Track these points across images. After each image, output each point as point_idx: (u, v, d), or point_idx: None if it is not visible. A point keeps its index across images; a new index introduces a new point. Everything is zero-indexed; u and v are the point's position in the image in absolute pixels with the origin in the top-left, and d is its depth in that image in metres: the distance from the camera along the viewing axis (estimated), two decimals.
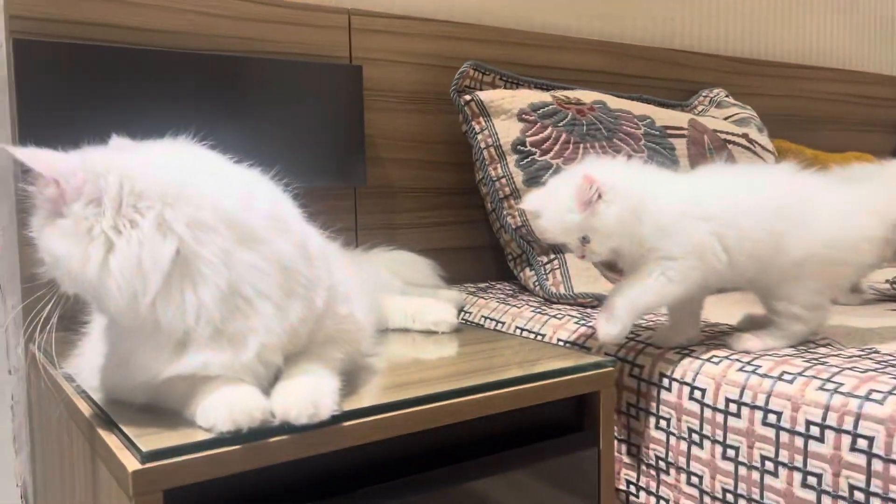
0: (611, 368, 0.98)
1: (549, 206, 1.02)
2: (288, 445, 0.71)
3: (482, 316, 1.37)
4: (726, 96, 2.01)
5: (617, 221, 0.97)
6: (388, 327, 1.20)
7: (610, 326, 0.99)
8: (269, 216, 0.75)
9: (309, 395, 0.71)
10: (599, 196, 0.97)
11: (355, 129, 1.47)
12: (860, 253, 1.02)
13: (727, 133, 1.79)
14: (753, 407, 0.91)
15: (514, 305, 1.35)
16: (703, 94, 2.00)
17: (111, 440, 0.72)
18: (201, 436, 0.69)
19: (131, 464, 0.66)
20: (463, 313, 1.40)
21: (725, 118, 1.91)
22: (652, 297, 0.99)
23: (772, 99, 2.24)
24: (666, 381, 1.01)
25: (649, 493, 1.04)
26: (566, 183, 1.01)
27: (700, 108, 1.96)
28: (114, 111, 1.21)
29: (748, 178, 1.07)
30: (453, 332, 1.17)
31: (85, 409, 0.81)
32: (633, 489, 1.06)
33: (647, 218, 0.99)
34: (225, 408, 0.69)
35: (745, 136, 1.82)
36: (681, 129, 1.69)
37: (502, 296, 1.47)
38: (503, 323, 1.31)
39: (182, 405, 0.74)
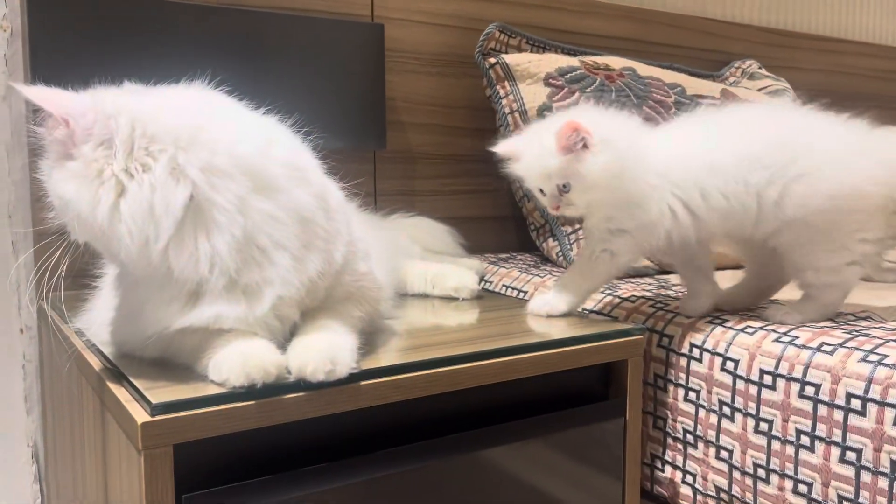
0: (640, 337, 0.94)
1: (530, 150, 0.96)
2: (304, 403, 0.68)
3: (503, 285, 1.33)
4: (759, 68, 1.94)
5: (602, 173, 0.91)
6: (407, 292, 1.17)
7: (559, 303, 1.00)
8: (287, 164, 0.72)
9: (327, 352, 0.68)
10: (585, 145, 0.91)
11: (376, 90, 1.43)
12: (866, 198, 0.92)
13: None
14: (790, 379, 0.87)
15: (537, 275, 1.31)
16: (735, 65, 1.94)
17: (121, 393, 0.69)
18: (213, 390, 0.66)
19: (140, 416, 0.63)
20: (484, 282, 1.36)
21: (758, 90, 1.85)
22: (601, 277, 1.00)
23: (805, 73, 2.17)
24: (696, 352, 0.97)
25: (675, 466, 1.00)
26: (550, 128, 0.93)
27: (732, 79, 1.90)
28: (129, 63, 1.18)
29: (722, 125, 0.98)
30: (474, 298, 1.14)
31: (94, 362, 0.78)
32: (657, 463, 1.02)
33: (630, 185, 0.93)
34: (238, 362, 0.66)
35: None
36: (713, 98, 1.63)
37: (524, 266, 1.43)
38: (525, 292, 1.27)
39: (193, 359, 0.71)
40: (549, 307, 1.00)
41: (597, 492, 0.92)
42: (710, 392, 0.95)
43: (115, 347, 0.78)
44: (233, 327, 0.69)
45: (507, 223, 1.66)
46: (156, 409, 0.63)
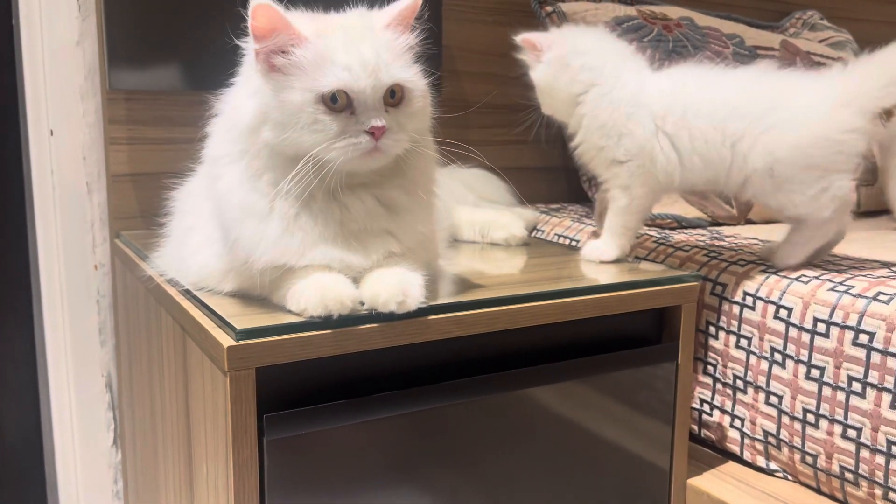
0: (694, 283, 0.96)
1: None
2: (375, 333, 0.72)
3: (556, 234, 1.35)
4: (821, 19, 1.89)
5: (544, 84, 1.06)
6: (457, 239, 1.19)
7: (610, 248, 1.03)
8: None
9: (398, 285, 0.72)
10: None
11: (432, 38, 1.43)
12: (844, 144, 0.93)
13: (822, 56, 1.69)
14: (844, 327, 0.88)
15: (590, 224, 1.33)
16: (796, 15, 1.89)
17: (204, 321, 0.73)
18: (292, 319, 0.71)
19: (226, 341, 0.67)
20: (536, 231, 1.38)
21: (820, 41, 1.81)
22: (630, 214, 1.03)
23: (869, 24, 2.11)
24: (749, 300, 0.98)
25: (724, 411, 1.03)
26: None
27: (792, 30, 1.86)
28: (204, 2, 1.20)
29: (714, 77, 1.03)
30: (524, 245, 1.16)
31: (175, 294, 0.83)
32: (706, 407, 1.05)
33: (594, 109, 1.02)
34: (317, 294, 0.70)
35: (840, 59, 1.72)
36: (772, 49, 1.60)
37: (576, 216, 1.44)
38: (578, 241, 1.29)
39: (270, 290, 0.75)
40: (599, 252, 1.03)
41: (647, 433, 0.95)
42: (761, 339, 0.97)
43: (191, 283, 0.83)
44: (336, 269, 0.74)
45: (558, 174, 1.67)
46: (240, 335, 0.68)
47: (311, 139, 0.70)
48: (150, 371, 0.99)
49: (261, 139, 0.72)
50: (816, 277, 0.95)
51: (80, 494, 1.30)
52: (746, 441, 1.00)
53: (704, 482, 0.99)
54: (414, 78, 0.75)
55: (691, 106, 0.98)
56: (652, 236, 1.20)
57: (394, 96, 0.73)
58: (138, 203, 1.23)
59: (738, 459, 1.03)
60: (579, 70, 1.03)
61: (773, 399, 0.96)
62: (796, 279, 0.96)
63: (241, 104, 0.74)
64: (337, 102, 0.70)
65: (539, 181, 1.65)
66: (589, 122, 1.03)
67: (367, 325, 0.72)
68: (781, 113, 0.95)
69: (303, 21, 0.72)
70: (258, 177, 0.73)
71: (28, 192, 1.26)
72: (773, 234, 1.26)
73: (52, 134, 1.22)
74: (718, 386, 1.03)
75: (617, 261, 1.02)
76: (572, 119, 1.06)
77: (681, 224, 1.36)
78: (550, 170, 1.66)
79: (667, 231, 1.27)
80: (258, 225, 0.72)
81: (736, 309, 1.00)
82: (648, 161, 1.00)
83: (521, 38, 1.06)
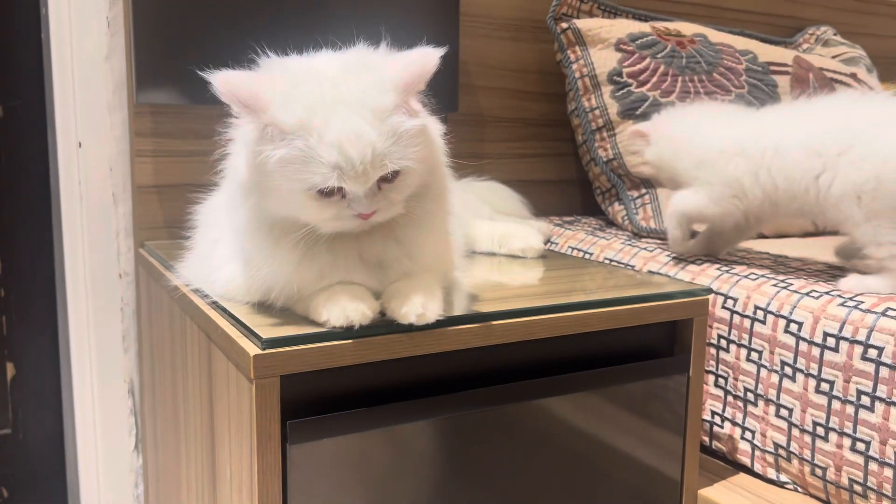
0: (706, 297, 0.98)
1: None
2: (395, 344, 0.75)
3: (569, 247, 1.37)
4: (834, 34, 1.91)
5: (657, 160, 1.21)
6: (474, 250, 1.22)
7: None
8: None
9: (418, 298, 0.74)
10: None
11: (450, 53, 1.46)
12: None
13: (834, 72, 1.71)
14: (853, 342, 0.89)
15: (603, 237, 1.35)
16: (810, 31, 1.91)
17: (230, 330, 0.76)
18: (315, 329, 0.73)
19: (252, 349, 0.70)
20: (550, 244, 1.41)
21: (833, 57, 1.82)
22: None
23: (882, 40, 2.12)
24: (760, 314, 1.00)
25: (734, 423, 1.04)
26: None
27: (806, 45, 1.87)
28: (233, 21, 1.24)
29: (792, 113, 1.10)
30: (540, 257, 1.18)
31: (201, 304, 0.86)
32: (717, 419, 1.07)
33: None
34: (339, 305, 0.72)
35: (853, 75, 1.73)
36: (784, 65, 1.62)
37: (590, 228, 1.47)
38: (591, 254, 1.31)
39: (295, 303, 0.78)
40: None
41: (658, 444, 0.97)
42: (772, 353, 0.99)
43: (219, 294, 0.85)
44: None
45: (571, 187, 1.70)
46: (265, 344, 0.70)
47: (302, 216, 0.71)
48: (174, 377, 1.02)
49: (253, 201, 0.74)
50: (827, 293, 0.97)
51: (101, 497, 1.33)
52: (757, 453, 1.02)
53: (715, 493, 1.01)
54: (411, 161, 0.69)
55: (771, 148, 1.05)
56: (664, 250, 1.22)
57: (388, 179, 0.69)
58: (163, 214, 1.27)
59: (749, 471, 1.04)
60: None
61: (784, 412, 0.97)
62: (807, 294, 0.97)
63: (238, 157, 0.75)
64: (330, 195, 0.68)
65: (553, 194, 1.67)
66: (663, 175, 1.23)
67: (388, 336, 0.74)
68: (861, 149, 0.97)
69: (289, 95, 0.67)
70: (262, 222, 0.75)
71: (56, 201, 1.29)
72: (786, 248, 1.28)
73: (80, 146, 1.26)
74: (729, 398, 1.05)
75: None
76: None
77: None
78: (565, 183, 1.69)
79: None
80: (273, 263, 0.74)
81: (747, 322, 1.02)
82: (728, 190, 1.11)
83: (630, 130, 1.26)
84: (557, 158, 1.68)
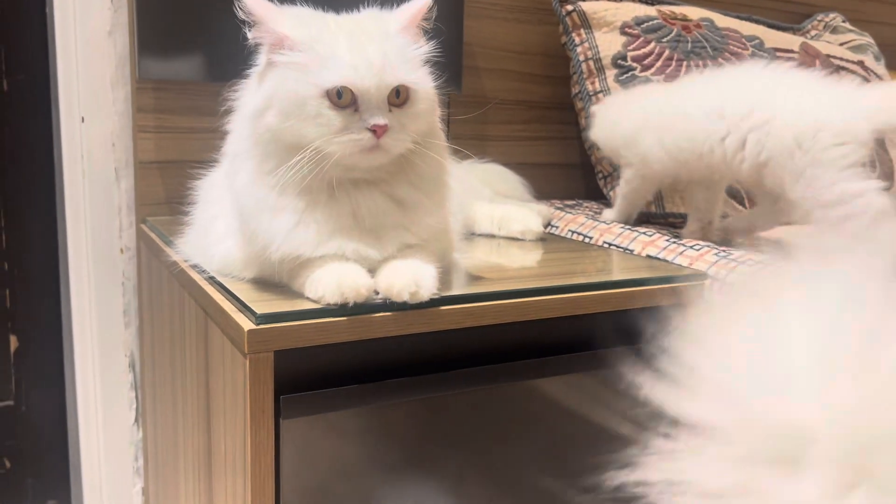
0: (702, 282, 0.98)
1: None
2: (389, 322, 0.75)
3: (569, 230, 1.37)
4: (842, 21, 1.89)
5: (597, 141, 1.31)
6: (474, 232, 1.22)
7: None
8: None
9: (412, 276, 0.74)
10: None
11: (454, 34, 1.46)
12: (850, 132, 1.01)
13: (841, 59, 1.70)
14: None
15: (603, 221, 1.35)
16: (818, 17, 1.90)
17: (226, 305, 0.77)
18: (309, 305, 0.74)
19: (246, 324, 0.71)
20: (550, 227, 1.41)
21: (840, 44, 1.81)
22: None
23: (891, 28, 2.10)
24: None
25: None
26: None
27: (813, 32, 1.86)
28: None
29: (701, 82, 1.19)
30: (539, 240, 1.19)
31: (199, 279, 0.87)
32: None
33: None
34: (334, 282, 0.73)
35: (860, 63, 1.72)
36: (791, 51, 1.61)
37: (590, 212, 1.47)
38: (590, 238, 1.31)
39: (289, 278, 0.79)
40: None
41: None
42: None
43: (214, 269, 0.86)
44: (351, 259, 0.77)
45: (574, 170, 1.70)
46: (260, 319, 0.71)
47: (313, 131, 0.72)
48: (172, 352, 1.03)
49: (264, 123, 0.74)
50: None
51: (101, 471, 1.35)
52: None
53: None
54: (420, 80, 0.76)
55: (677, 113, 1.16)
56: (663, 234, 1.22)
57: (398, 96, 0.74)
58: (164, 190, 1.28)
59: None
60: None
61: None
62: None
63: (251, 95, 0.78)
64: (342, 98, 0.72)
65: (556, 177, 1.67)
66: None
67: (382, 314, 0.75)
68: (764, 113, 1.07)
69: (301, 21, 0.75)
70: (266, 170, 0.75)
71: (59, 176, 1.30)
72: (786, 233, 1.28)
73: (83, 121, 1.26)
74: None
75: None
76: None
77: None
78: (567, 166, 1.69)
79: (679, 230, 1.29)
80: (272, 219, 0.75)
81: None
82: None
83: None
84: (561, 142, 1.67)
